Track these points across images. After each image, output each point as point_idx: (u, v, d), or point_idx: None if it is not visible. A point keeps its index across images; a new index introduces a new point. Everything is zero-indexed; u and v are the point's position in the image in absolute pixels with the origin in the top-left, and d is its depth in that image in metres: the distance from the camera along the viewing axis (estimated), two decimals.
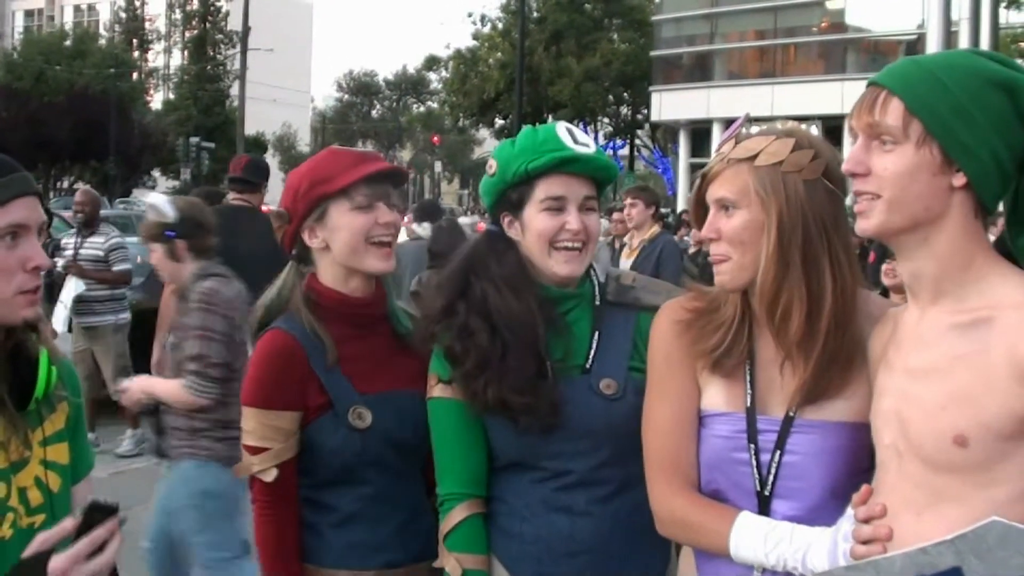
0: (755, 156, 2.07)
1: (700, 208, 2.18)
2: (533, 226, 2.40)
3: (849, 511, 1.92)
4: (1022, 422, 1.73)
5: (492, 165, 2.46)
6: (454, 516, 2.39)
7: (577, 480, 2.36)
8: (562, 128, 2.44)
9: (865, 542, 1.85)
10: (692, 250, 11.16)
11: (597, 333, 2.44)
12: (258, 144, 59.82)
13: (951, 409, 1.77)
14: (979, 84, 1.81)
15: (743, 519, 2.04)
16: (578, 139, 2.42)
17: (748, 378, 2.13)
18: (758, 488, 2.09)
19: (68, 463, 2.09)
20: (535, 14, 46.31)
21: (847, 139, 37.87)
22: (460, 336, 2.38)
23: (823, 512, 2.01)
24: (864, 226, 1.88)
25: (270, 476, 2.49)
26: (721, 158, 2.12)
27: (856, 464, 2.05)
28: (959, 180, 1.82)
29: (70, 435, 2.11)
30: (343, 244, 2.55)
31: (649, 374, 2.26)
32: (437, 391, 2.43)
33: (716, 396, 2.16)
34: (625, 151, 49.87)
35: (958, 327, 1.82)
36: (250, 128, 52.94)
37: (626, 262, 8.24)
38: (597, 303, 2.48)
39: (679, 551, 2.34)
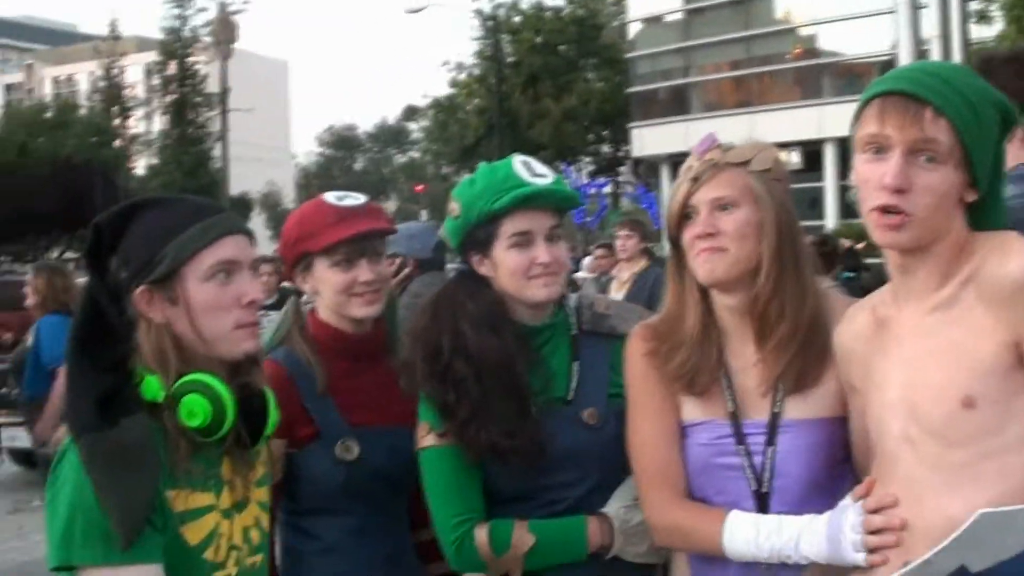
0: (748, 162, 2.17)
1: (682, 211, 2.19)
2: (505, 263, 2.44)
3: (847, 501, 1.96)
4: (1016, 352, 1.77)
5: (454, 207, 2.49)
6: (481, 530, 2.39)
7: (570, 506, 2.40)
8: (519, 162, 2.48)
9: (874, 532, 1.88)
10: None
11: (576, 363, 2.48)
12: (244, 203, 59.87)
13: (955, 375, 1.81)
14: (990, 105, 1.87)
15: (733, 517, 2.11)
16: (536, 171, 2.47)
17: (727, 383, 2.20)
18: (755, 487, 2.15)
19: (268, 503, 2.14)
20: (510, 58, 46.62)
21: (828, 161, 37.64)
22: (450, 386, 2.40)
23: (807, 507, 2.07)
24: (894, 240, 1.87)
25: None
26: (711, 163, 2.17)
27: (834, 457, 2.14)
28: (971, 196, 1.88)
29: (268, 478, 2.15)
30: (327, 296, 2.63)
31: (628, 395, 2.34)
32: (430, 440, 2.45)
33: (695, 408, 2.23)
34: (609, 188, 50.05)
35: (946, 299, 1.87)
36: (235, 188, 52.96)
37: (617, 295, 8.09)
38: (573, 332, 2.52)
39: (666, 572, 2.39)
